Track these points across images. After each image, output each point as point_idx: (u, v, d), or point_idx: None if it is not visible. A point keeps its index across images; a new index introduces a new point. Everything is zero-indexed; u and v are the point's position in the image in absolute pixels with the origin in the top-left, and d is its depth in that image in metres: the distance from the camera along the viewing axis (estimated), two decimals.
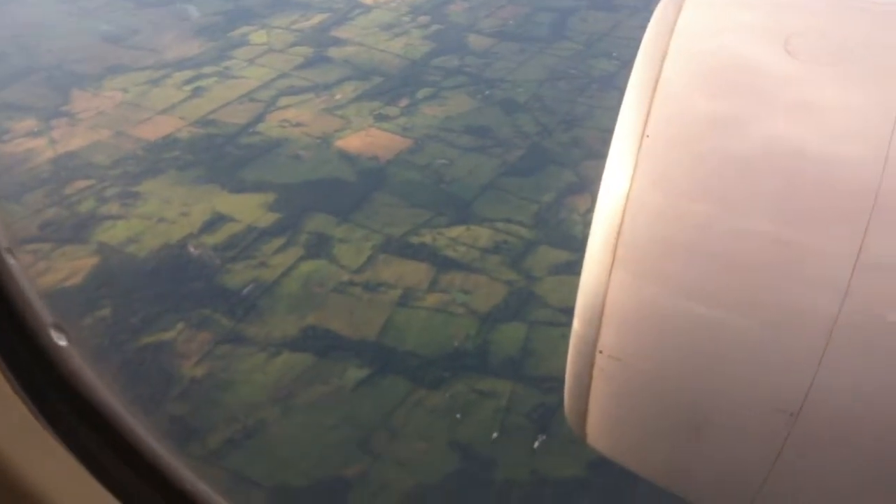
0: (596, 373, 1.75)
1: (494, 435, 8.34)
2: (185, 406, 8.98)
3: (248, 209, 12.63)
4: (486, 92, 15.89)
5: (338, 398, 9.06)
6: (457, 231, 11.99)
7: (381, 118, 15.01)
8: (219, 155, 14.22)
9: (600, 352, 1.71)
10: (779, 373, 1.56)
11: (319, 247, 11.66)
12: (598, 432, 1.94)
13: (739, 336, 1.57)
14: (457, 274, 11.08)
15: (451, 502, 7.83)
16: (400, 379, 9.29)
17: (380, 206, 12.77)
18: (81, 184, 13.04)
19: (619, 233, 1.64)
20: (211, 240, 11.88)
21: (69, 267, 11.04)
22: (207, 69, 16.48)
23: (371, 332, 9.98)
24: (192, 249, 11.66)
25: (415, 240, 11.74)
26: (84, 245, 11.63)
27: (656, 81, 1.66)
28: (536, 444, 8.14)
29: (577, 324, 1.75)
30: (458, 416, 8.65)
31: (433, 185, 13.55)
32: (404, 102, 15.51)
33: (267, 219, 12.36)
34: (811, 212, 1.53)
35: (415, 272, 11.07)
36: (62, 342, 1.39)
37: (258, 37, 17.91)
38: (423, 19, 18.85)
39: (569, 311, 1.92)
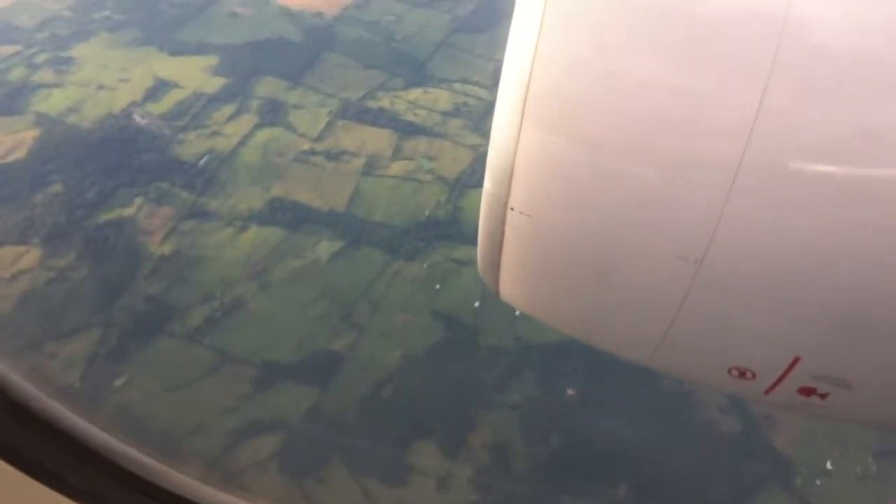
0: (507, 229, 1.67)
1: (476, 304, 8.38)
2: (158, 285, 8.73)
3: (192, 74, 12.00)
4: None
5: (314, 272, 8.94)
6: (414, 94, 11.68)
7: None
8: (152, 14, 13.35)
9: (511, 208, 1.63)
10: (682, 221, 1.53)
11: (274, 114, 11.23)
12: (511, 287, 1.84)
13: (643, 186, 1.53)
14: (420, 139, 10.86)
15: (440, 372, 7.91)
16: (375, 251, 9.19)
17: (331, 67, 12.30)
18: (7, 49, 12.14)
19: (527, 88, 1.55)
20: (157, 108, 11.30)
21: (10, 141, 10.40)
22: None
23: (339, 203, 9.78)
24: (138, 118, 11.09)
25: (372, 104, 11.40)
26: (21, 116, 10.92)
27: None
28: (518, 312, 8.20)
29: (488, 183, 1.72)
30: (437, 286, 8.65)
31: (384, 45, 13.06)
32: None
33: (213, 84, 11.79)
34: (713, 60, 1.47)
35: (376, 139, 10.80)
36: None
37: None
38: None
39: None
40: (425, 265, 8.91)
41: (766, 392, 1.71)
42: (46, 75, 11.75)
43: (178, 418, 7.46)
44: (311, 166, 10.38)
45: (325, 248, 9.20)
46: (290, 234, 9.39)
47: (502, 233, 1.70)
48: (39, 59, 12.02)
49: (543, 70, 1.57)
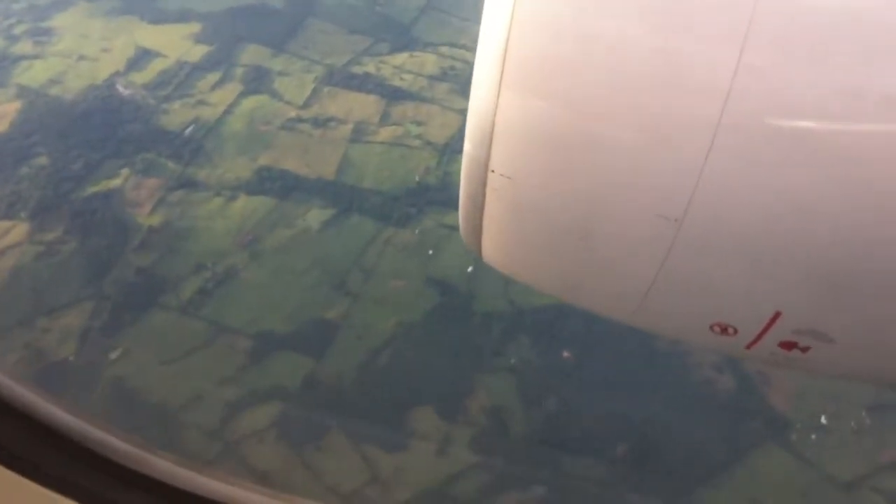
0: (489, 192, 1.72)
1: (469, 269, 8.36)
2: (149, 257, 8.68)
3: (174, 42, 11.82)
4: None
5: (305, 241, 8.89)
6: (400, 58, 11.55)
7: None
8: None
9: (492, 171, 1.67)
10: (662, 180, 1.58)
11: (259, 81, 11.09)
12: (493, 249, 1.92)
13: (623, 146, 1.58)
14: (407, 105, 10.77)
15: (435, 338, 7.93)
16: (365, 218, 9.15)
17: (315, 33, 12.14)
18: None
19: (505, 50, 1.58)
20: (140, 78, 11.15)
21: None
22: None
23: (328, 171, 9.71)
24: (121, 89, 10.94)
25: (358, 69, 11.27)
26: (2, 89, 10.77)
27: None
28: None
29: (468, 145, 1.69)
30: (430, 252, 8.62)
31: (367, 9, 12.89)
32: None
33: (196, 52, 11.62)
34: (691, 19, 1.50)
35: (363, 105, 10.70)
36: None
37: None
38: None
39: None
40: (417, 231, 8.88)
41: (748, 347, 1.76)
42: (26, 47, 11.54)
43: (175, 390, 7.45)
44: (299, 134, 10.29)
45: (316, 216, 9.15)
46: (280, 203, 9.32)
47: (483, 195, 1.74)
48: (18, 30, 11.80)
49: (521, 32, 1.60)
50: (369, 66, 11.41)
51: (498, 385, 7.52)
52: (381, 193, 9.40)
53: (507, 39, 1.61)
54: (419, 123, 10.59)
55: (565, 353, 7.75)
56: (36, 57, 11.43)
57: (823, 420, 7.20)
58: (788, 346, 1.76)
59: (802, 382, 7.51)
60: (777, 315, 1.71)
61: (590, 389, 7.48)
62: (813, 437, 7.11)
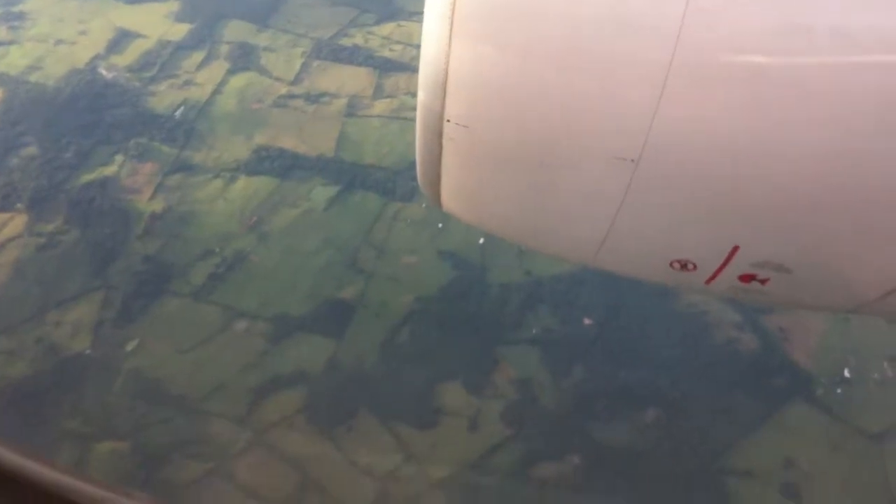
0: (445, 142, 1.80)
1: (481, 241, 8.30)
2: (154, 244, 8.48)
3: (153, 21, 11.52)
4: None
5: (312, 220, 8.75)
6: (388, 29, 11.37)
7: None
8: None
9: (447, 121, 1.75)
10: (618, 122, 1.62)
11: (245, 58, 10.86)
12: (453, 199, 2.04)
13: (576, 91, 1.62)
14: (400, 76, 10.61)
15: (454, 312, 7.87)
16: (370, 194, 9.02)
17: (297, 7, 11.88)
18: None
19: (454, 1, 1.63)
20: (122, 60, 10.85)
21: None
22: None
23: (327, 148, 9.55)
24: (104, 72, 10.64)
25: (346, 42, 11.08)
26: None
27: None
28: (539, 251, 8.15)
29: (422, 95, 1.78)
30: (439, 225, 8.52)
31: None
32: None
33: (177, 31, 11.34)
34: None
35: (355, 78, 10.53)
36: None
37: None
38: None
39: None
40: (424, 205, 8.77)
41: (707, 282, 1.90)
42: (0, 32, 11.20)
43: (197, 379, 7.32)
44: (292, 111, 10.10)
45: (320, 194, 9.00)
46: (281, 183, 9.16)
47: (440, 145, 1.83)
48: None
49: None
50: (357, 38, 11.21)
51: (522, 357, 7.49)
52: (384, 168, 9.27)
53: None
54: (414, 94, 10.33)
55: (586, 321, 7.73)
56: (11, 42, 11.08)
57: (847, 373, 7.27)
58: (747, 278, 1.84)
59: (822, 338, 7.58)
60: (735, 249, 1.76)
61: (614, 355, 7.48)
62: (838, 391, 7.17)
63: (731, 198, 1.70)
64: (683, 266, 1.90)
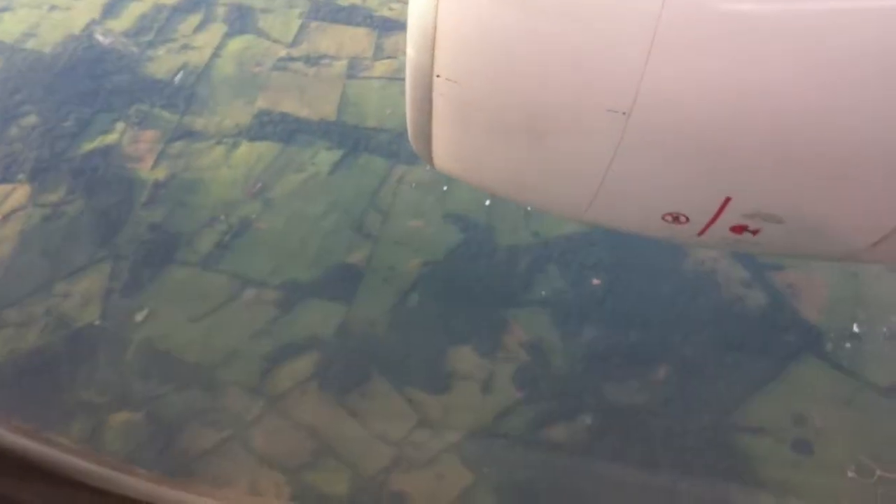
0: (436, 97, 1.79)
1: (487, 202, 8.27)
2: (159, 212, 8.44)
3: None
4: None
5: (317, 185, 8.71)
6: None
7: None
8: None
9: (437, 76, 1.73)
10: (608, 74, 1.61)
11: (242, 20, 10.72)
12: (445, 155, 2.03)
13: (567, 42, 1.60)
14: (400, 35, 10.46)
15: (462, 275, 7.87)
16: (375, 157, 8.96)
17: None
18: None
19: None
20: (118, 25, 10.71)
21: None
22: None
23: (329, 111, 9.47)
24: (101, 38, 10.51)
25: (343, 2, 10.92)
26: None
27: None
28: (530, 207, 8.13)
29: (411, 50, 1.77)
30: (444, 188, 8.49)
31: None
32: None
33: None
34: None
35: (354, 39, 10.40)
36: None
37: None
38: None
39: None
40: (428, 167, 8.69)
41: (700, 234, 1.90)
42: None
43: (209, 348, 7.34)
44: (293, 73, 9.99)
45: (324, 158, 8.95)
46: (285, 148, 9.10)
47: (430, 101, 1.81)
48: None
49: None
50: None
51: (532, 318, 7.50)
52: (387, 130, 9.20)
53: None
54: None
55: (595, 281, 7.74)
56: (4, 9, 10.93)
57: (856, 328, 7.29)
58: (739, 229, 1.84)
59: (831, 292, 7.60)
60: (727, 200, 1.76)
61: (623, 315, 7.50)
62: (847, 345, 7.21)
63: (723, 147, 1.70)
64: (675, 219, 1.91)
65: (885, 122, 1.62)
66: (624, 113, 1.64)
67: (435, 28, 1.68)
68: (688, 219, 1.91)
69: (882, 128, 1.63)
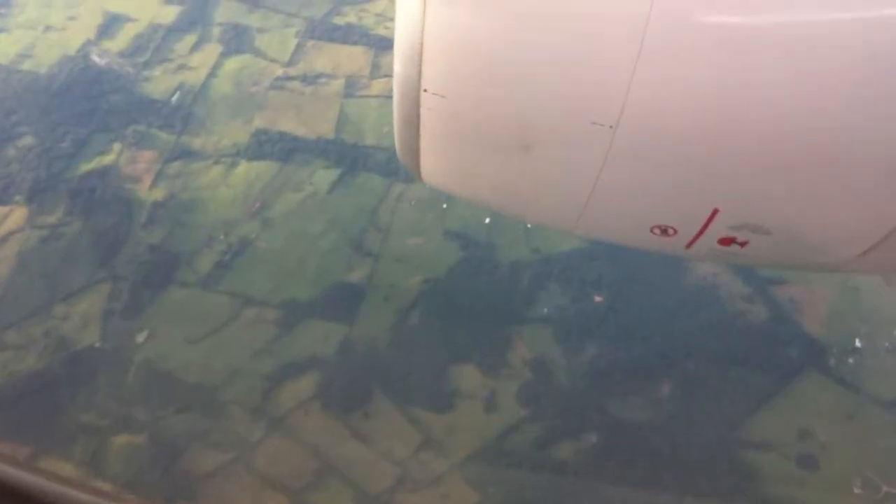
0: (423, 112, 1.79)
1: (487, 220, 8.26)
2: (158, 232, 8.40)
3: (142, 4, 11.33)
4: None
5: (316, 204, 8.69)
6: (381, 5, 11.22)
7: None
8: None
9: (425, 90, 1.74)
10: (595, 87, 1.61)
11: (238, 40, 10.72)
12: (433, 170, 2.04)
13: (553, 53, 1.60)
14: None
15: (463, 293, 7.85)
16: (373, 175, 8.95)
17: None
18: None
19: None
20: (114, 45, 10.70)
21: None
22: None
23: (326, 130, 9.47)
24: (96, 58, 10.50)
25: (339, 20, 10.94)
26: None
27: None
28: (530, 224, 8.14)
29: (398, 65, 1.76)
30: (444, 206, 8.48)
31: None
32: None
33: (168, 13, 11.17)
34: None
35: (351, 57, 10.42)
36: None
37: None
38: None
39: None
40: (427, 185, 8.69)
41: (688, 246, 1.91)
42: None
43: (210, 369, 7.29)
44: (290, 93, 9.99)
45: (322, 177, 8.93)
46: (283, 167, 9.08)
47: (418, 116, 1.81)
48: None
49: None
50: (350, 17, 11.07)
51: (535, 335, 7.48)
52: (385, 149, 9.19)
53: None
54: None
55: (597, 297, 7.73)
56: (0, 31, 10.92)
57: (858, 343, 7.29)
58: (727, 241, 1.85)
59: (832, 306, 7.61)
60: (715, 212, 1.77)
61: (626, 331, 7.48)
62: (850, 360, 7.21)
63: (709, 159, 1.70)
64: (664, 231, 1.91)
65: (871, 132, 1.63)
66: (611, 126, 1.65)
67: (422, 43, 1.69)
68: (676, 231, 1.92)
69: (867, 139, 1.64)
